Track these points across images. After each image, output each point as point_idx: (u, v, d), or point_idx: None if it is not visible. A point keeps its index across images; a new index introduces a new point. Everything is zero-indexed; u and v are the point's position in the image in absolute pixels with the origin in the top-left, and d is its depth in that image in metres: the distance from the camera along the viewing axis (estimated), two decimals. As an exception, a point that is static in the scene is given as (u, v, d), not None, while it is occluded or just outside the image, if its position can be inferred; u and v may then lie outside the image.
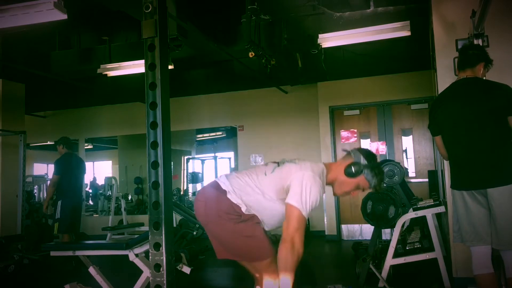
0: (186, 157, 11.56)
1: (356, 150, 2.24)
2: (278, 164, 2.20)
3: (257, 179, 2.15)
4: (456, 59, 3.19)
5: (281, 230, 2.04)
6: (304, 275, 2.53)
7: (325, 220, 7.03)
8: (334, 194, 2.29)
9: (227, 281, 4.93)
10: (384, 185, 4.08)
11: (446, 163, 3.77)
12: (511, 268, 2.48)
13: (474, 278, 2.62)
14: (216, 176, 11.11)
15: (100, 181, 11.58)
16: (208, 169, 11.39)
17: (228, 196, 2.11)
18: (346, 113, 7.25)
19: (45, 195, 7.97)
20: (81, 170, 6.04)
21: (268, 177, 2.15)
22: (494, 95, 2.55)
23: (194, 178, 10.58)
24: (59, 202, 5.63)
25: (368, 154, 2.21)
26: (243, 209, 2.09)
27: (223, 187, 2.14)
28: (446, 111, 2.68)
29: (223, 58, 6.21)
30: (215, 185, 2.18)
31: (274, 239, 2.17)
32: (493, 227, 2.50)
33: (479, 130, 2.56)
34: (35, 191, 9.58)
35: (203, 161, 11.62)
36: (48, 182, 10.29)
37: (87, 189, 10.58)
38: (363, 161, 2.16)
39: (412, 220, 4.16)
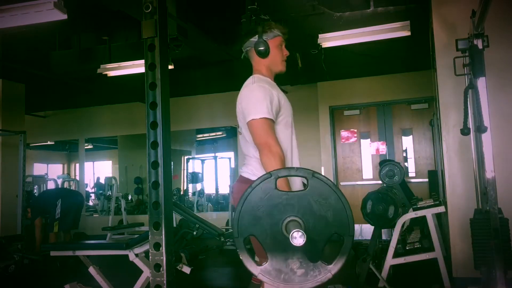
0: (186, 157, 11.56)
1: (244, 44, 2.29)
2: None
3: (252, 145, 2.12)
4: (456, 59, 3.20)
5: None
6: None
7: (325, 220, 7.02)
8: (281, 71, 2.31)
9: (227, 281, 4.93)
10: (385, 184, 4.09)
11: (447, 163, 3.77)
12: None
13: None
14: (216, 176, 11.19)
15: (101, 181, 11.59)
16: (208, 169, 11.39)
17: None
18: (346, 113, 7.25)
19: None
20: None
21: (248, 134, 2.11)
22: None
23: (194, 178, 10.59)
24: (58, 202, 5.68)
25: (246, 33, 2.30)
26: None
27: (245, 175, 2.14)
28: None
29: (223, 58, 6.21)
30: (240, 178, 2.18)
31: None
32: None
33: None
34: (35, 191, 9.58)
35: (203, 161, 11.62)
36: (48, 182, 10.33)
37: (87, 189, 10.58)
38: (253, 38, 2.22)
39: (412, 220, 4.16)
